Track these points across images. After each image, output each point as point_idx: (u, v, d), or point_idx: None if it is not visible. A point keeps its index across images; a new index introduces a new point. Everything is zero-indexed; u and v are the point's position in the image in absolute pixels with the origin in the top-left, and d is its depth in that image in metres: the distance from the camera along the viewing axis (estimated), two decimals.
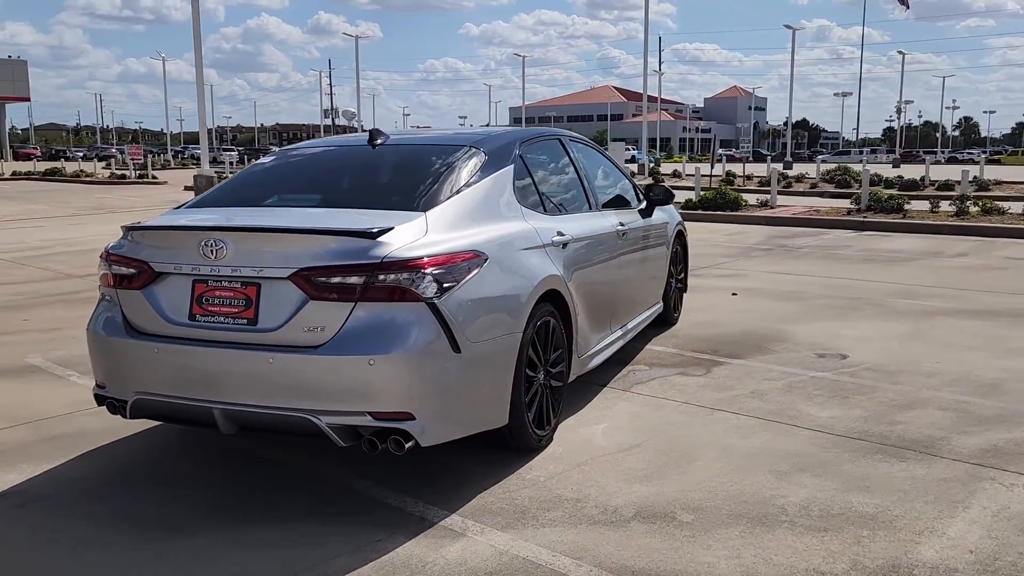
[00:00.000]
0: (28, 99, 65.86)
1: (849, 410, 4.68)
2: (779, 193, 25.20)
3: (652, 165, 39.58)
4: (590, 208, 5.11)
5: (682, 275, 7.09)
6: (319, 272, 3.27)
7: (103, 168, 40.96)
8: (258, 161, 4.89)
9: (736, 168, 34.40)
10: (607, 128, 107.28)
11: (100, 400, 3.80)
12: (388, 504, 3.51)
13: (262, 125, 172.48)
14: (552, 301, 4.18)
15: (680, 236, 6.95)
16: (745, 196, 18.62)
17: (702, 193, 17.92)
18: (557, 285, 4.17)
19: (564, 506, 3.48)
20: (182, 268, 3.51)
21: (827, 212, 16.36)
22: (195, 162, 54.28)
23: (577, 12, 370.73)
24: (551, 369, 4.20)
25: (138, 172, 34.04)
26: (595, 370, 5.29)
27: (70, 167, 44.24)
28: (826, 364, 5.65)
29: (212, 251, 3.40)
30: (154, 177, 33.09)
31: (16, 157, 61.64)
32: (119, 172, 34.97)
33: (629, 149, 54.67)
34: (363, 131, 4.69)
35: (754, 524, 3.28)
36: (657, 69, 77.75)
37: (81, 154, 79.11)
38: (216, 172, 23.36)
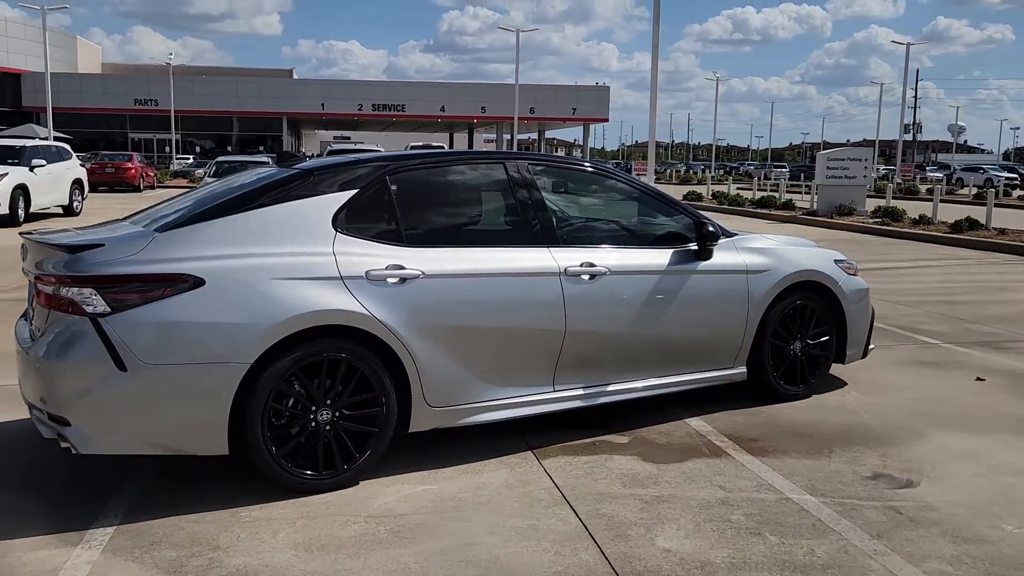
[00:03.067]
0: (607, 120, 74.97)
1: (715, 551, 3.35)
2: None
3: None
4: (528, 243, 4.44)
5: (825, 337, 5.48)
6: (38, 279, 3.70)
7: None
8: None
9: None
10: None
11: None
12: (103, 505, 3.75)
13: (848, 141, 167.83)
14: (354, 338, 3.88)
15: (816, 287, 5.40)
16: None
17: None
18: (356, 322, 3.87)
19: (191, 548, 3.34)
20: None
21: None
22: (745, 177, 55.74)
23: None
24: (345, 411, 3.90)
25: None
26: (555, 432, 4.71)
27: None
28: (850, 489, 3.99)
29: (22, 256, 4.05)
30: None
31: None
32: None
33: None
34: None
35: None
36: None
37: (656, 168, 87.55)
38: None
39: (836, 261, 5.63)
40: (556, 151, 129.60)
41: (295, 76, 77.62)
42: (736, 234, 5.34)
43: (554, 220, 4.62)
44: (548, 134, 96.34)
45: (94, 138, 59.55)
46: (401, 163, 4.38)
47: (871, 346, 5.90)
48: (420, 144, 34.46)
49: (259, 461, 3.75)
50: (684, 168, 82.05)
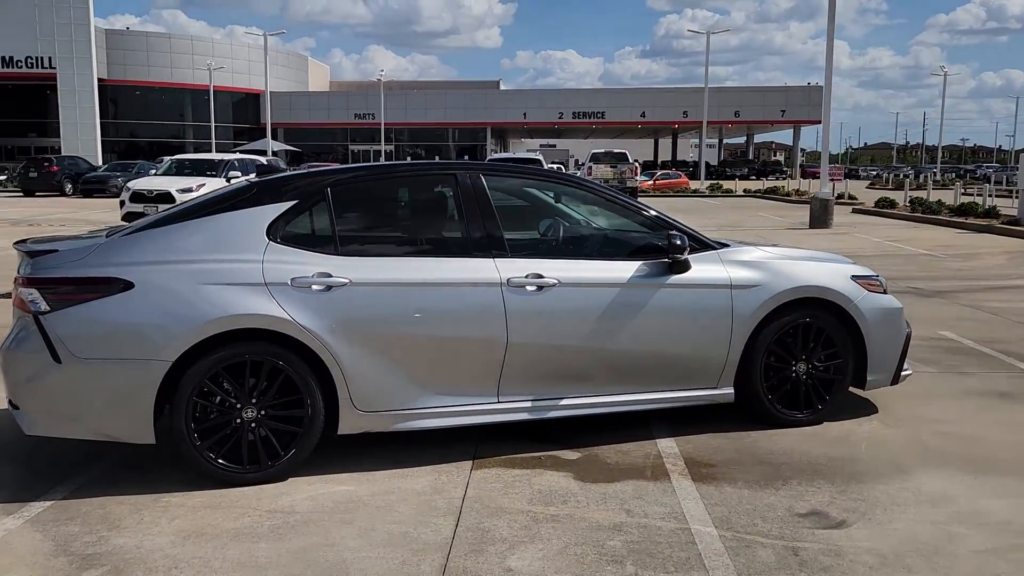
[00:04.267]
0: (819, 121, 70.97)
1: (553, 560, 3.23)
2: None
3: None
4: (473, 253, 4.45)
5: (838, 360, 5.03)
6: (14, 281, 4.24)
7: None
8: None
9: None
10: None
11: None
12: (62, 481, 4.23)
13: None
14: (278, 342, 4.11)
15: (825, 305, 4.96)
16: None
17: None
18: (277, 326, 4.09)
19: (94, 526, 3.71)
20: None
21: None
22: (982, 181, 50.71)
23: None
24: (269, 411, 4.14)
25: (837, 193, 34.09)
26: (511, 443, 4.73)
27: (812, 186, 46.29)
28: (766, 526, 3.68)
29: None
30: (851, 197, 32.79)
31: (804, 175, 66.47)
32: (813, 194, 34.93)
33: None
34: None
35: None
36: None
37: (874, 173, 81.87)
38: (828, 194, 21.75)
39: (855, 277, 5.13)
40: (774, 155, 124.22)
41: (502, 87, 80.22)
42: (727, 245, 5.04)
43: (504, 231, 4.59)
44: (759, 137, 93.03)
45: (320, 150, 65.06)
46: (346, 176, 4.57)
47: (906, 371, 5.32)
48: (602, 151, 34.46)
49: (185, 452, 4.07)
50: (911, 172, 75.74)
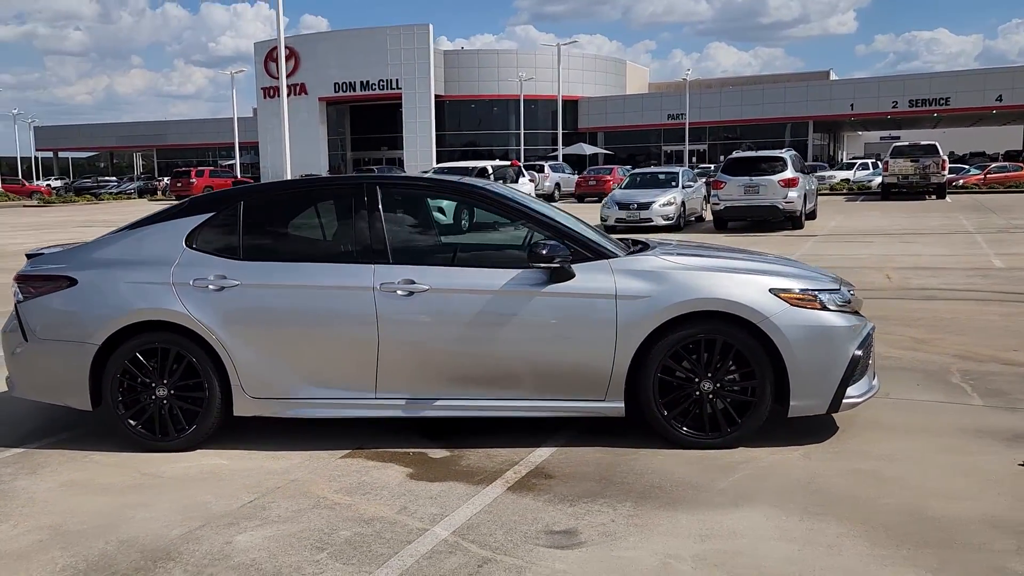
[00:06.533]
0: None
1: (261, 553, 3.56)
2: None
3: None
4: (358, 260, 4.81)
5: (754, 380, 4.59)
6: None
7: None
8: None
9: None
10: None
11: None
12: (50, 433, 5.37)
13: None
14: (181, 332, 4.86)
15: (735, 320, 4.57)
16: None
17: None
18: (177, 319, 4.83)
19: (19, 471, 4.72)
20: None
21: None
22: None
23: None
24: (175, 391, 4.89)
25: None
26: (398, 436, 5.07)
27: None
28: (499, 537, 3.62)
29: None
30: None
31: None
32: None
33: None
34: None
35: None
36: None
37: None
38: None
39: (775, 290, 4.62)
40: None
41: (832, 77, 75.13)
42: (639, 250, 4.90)
43: (389, 239, 4.87)
44: None
45: (635, 152, 66.28)
46: (257, 190, 5.19)
47: (853, 398, 4.66)
48: (906, 144, 31.13)
49: (114, 420, 4.97)
50: None
